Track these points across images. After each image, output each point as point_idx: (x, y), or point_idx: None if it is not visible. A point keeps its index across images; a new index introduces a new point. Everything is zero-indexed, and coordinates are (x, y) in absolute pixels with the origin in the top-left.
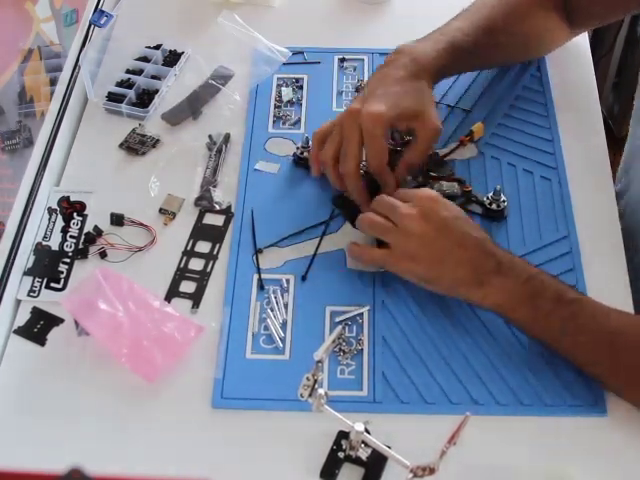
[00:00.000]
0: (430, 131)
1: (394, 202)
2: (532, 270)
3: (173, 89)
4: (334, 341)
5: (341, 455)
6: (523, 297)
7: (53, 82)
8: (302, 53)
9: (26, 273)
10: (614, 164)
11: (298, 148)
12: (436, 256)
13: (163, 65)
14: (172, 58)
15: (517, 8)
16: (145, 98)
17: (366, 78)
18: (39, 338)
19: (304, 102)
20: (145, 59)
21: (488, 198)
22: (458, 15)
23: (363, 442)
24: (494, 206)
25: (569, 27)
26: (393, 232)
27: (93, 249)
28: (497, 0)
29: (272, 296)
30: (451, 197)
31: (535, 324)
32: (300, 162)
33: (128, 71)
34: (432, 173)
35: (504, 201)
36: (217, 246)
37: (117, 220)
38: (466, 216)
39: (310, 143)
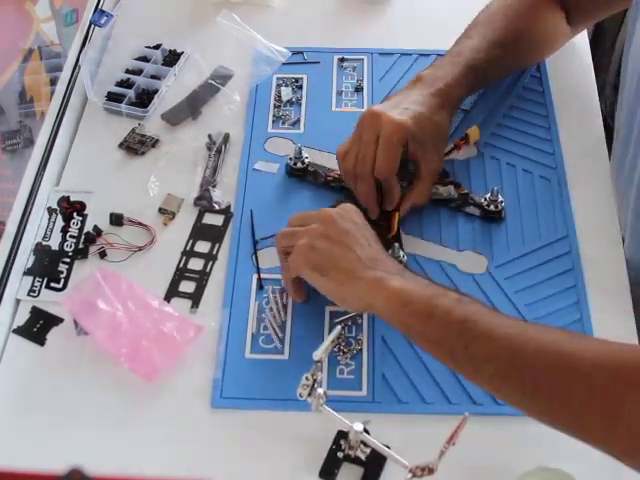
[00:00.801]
0: (434, 170)
1: (294, 230)
2: (430, 280)
3: (173, 89)
4: (333, 341)
5: (340, 455)
6: (423, 290)
7: (53, 82)
8: (302, 53)
9: (26, 273)
10: None
11: (291, 159)
12: (336, 255)
13: (163, 65)
14: (172, 58)
15: (526, 15)
16: (145, 98)
17: (366, 78)
18: (38, 338)
19: (304, 102)
20: (145, 59)
21: (486, 200)
22: (469, 30)
23: (362, 442)
24: (492, 207)
25: (570, 26)
26: (298, 236)
27: (93, 249)
28: (504, 10)
29: (271, 296)
30: (448, 200)
31: (411, 337)
32: (293, 173)
33: (128, 71)
34: None
35: (502, 202)
36: (216, 246)
37: (117, 220)
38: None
39: (303, 153)
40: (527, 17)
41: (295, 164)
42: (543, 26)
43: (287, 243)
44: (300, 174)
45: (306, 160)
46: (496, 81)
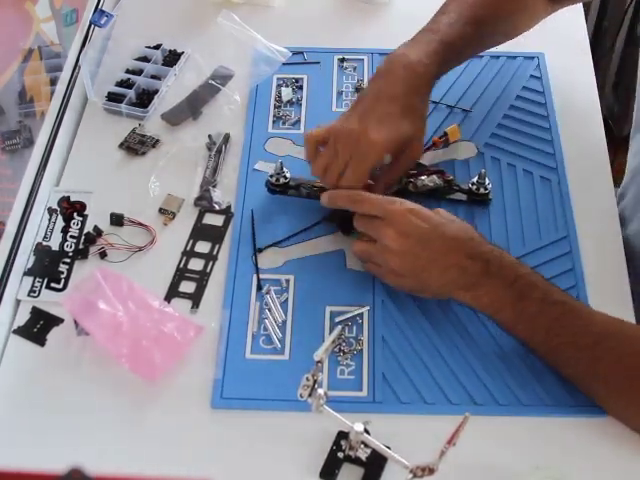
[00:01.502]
0: (412, 159)
1: (372, 223)
2: (520, 270)
3: (173, 89)
4: (334, 341)
5: (341, 455)
6: (509, 299)
7: (53, 82)
8: (302, 53)
9: (26, 273)
10: (614, 164)
11: (272, 176)
12: (420, 269)
13: (163, 65)
14: (172, 58)
15: None
16: (145, 98)
17: (366, 78)
18: (39, 338)
19: (304, 102)
20: (145, 59)
21: (474, 183)
22: (446, 5)
23: (363, 442)
24: (481, 190)
25: (550, 1)
26: (377, 254)
27: (93, 249)
28: None
29: (267, 297)
30: (434, 189)
31: (518, 325)
32: (273, 189)
33: (128, 71)
34: (411, 171)
35: (489, 184)
36: (217, 246)
37: (117, 220)
38: (447, 219)
39: (284, 169)
40: None
41: (277, 180)
42: (522, 3)
43: (365, 231)
44: (281, 191)
45: (287, 175)
46: (471, 57)
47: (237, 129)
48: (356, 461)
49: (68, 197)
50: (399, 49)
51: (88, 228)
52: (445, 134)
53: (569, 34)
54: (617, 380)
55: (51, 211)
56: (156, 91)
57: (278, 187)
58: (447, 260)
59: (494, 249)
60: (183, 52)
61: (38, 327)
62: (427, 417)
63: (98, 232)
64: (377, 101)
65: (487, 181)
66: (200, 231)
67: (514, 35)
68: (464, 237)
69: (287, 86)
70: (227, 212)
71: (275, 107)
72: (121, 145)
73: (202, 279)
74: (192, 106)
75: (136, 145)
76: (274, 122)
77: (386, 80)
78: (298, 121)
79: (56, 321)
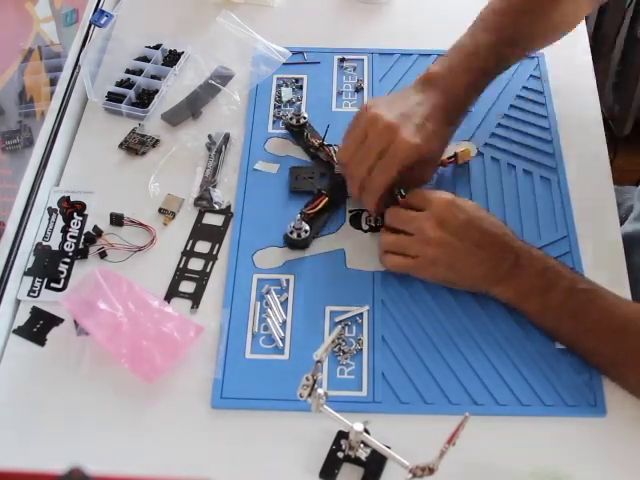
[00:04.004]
0: (422, 181)
1: (410, 215)
2: (548, 262)
3: (173, 89)
4: (334, 341)
5: (340, 455)
6: (537, 290)
7: (53, 82)
8: (302, 53)
9: (26, 273)
10: (614, 164)
11: (292, 118)
12: (456, 259)
13: (163, 65)
14: (172, 58)
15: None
16: (145, 98)
17: (366, 78)
18: (39, 338)
19: (304, 102)
20: (145, 59)
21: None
22: (484, 22)
23: (362, 442)
24: None
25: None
26: (412, 244)
27: (93, 249)
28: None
29: (267, 297)
30: None
31: (546, 315)
32: (290, 129)
33: (128, 71)
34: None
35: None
36: (217, 246)
37: (117, 220)
38: (484, 213)
39: (302, 111)
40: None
41: (291, 119)
42: (564, 9)
43: (399, 225)
44: (294, 130)
45: (306, 115)
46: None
47: (237, 129)
48: (356, 461)
49: (68, 197)
50: (435, 67)
51: (88, 228)
52: (455, 154)
53: (569, 34)
54: None
55: (51, 211)
56: (156, 91)
57: (296, 127)
58: (482, 253)
59: (524, 244)
60: (183, 52)
61: (38, 327)
62: (427, 417)
63: (98, 232)
64: (419, 106)
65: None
66: (200, 231)
67: (555, 41)
68: (499, 232)
69: (287, 86)
70: (227, 212)
71: (275, 107)
72: (121, 145)
73: (202, 279)
74: (192, 106)
75: (136, 145)
76: (274, 122)
77: (425, 96)
78: None
79: (56, 321)
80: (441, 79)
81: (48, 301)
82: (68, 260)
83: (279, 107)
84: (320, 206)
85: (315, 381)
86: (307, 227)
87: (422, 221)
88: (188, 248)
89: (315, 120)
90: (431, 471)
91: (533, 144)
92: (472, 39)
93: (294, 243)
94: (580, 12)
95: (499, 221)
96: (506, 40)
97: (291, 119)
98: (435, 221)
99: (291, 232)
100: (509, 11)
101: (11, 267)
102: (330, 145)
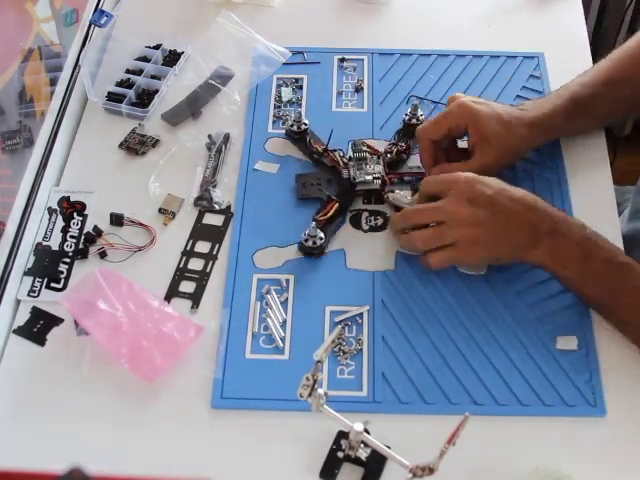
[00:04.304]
0: (484, 165)
1: (433, 204)
2: (586, 231)
3: (173, 89)
4: (334, 341)
5: (340, 455)
6: (576, 257)
7: (53, 82)
8: (302, 53)
9: (26, 273)
10: (614, 164)
11: (292, 125)
12: (494, 233)
13: (163, 65)
14: (172, 58)
15: (634, 54)
16: (145, 98)
17: (366, 78)
18: (39, 338)
19: (304, 102)
20: (145, 59)
21: (407, 114)
22: (584, 72)
23: (362, 442)
24: (414, 121)
25: None
26: (448, 233)
27: (93, 249)
28: (617, 51)
29: (267, 297)
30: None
31: (584, 283)
32: (291, 136)
33: (128, 71)
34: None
35: (422, 115)
36: (217, 246)
37: (117, 220)
38: (508, 185)
39: (303, 117)
40: (635, 56)
41: (292, 126)
42: None
43: (424, 219)
44: (295, 137)
45: (306, 122)
46: (610, 119)
47: (237, 129)
48: (356, 461)
49: (68, 197)
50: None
51: (88, 228)
52: None
53: (569, 34)
54: None
55: (51, 211)
56: (156, 91)
57: (294, 134)
58: (519, 221)
59: (559, 211)
60: (183, 52)
61: (38, 327)
62: (427, 417)
63: (98, 232)
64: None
65: (420, 112)
66: (200, 231)
67: None
68: (530, 199)
69: (287, 86)
70: (227, 212)
71: (275, 107)
72: (121, 145)
73: (202, 279)
74: (192, 106)
75: (136, 145)
76: (274, 122)
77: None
78: None
79: (56, 321)
80: (529, 102)
81: (48, 301)
82: (68, 260)
83: (279, 107)
84: (332, 212)
85: (315, 381)
86: (322, 234)
87: (450, 205)
88: (188, 248)
89: (315, 121)
90: (431, 471)
91: None
92: (568, 83)
93: (310, 251)
94: None
95: (528, 192)
96: (597, 77)
97: (292, 126)
98: (464, 201)
99: (306, 240)
100: (608, 58)
101: (11, 267)
102: (335, 150)
